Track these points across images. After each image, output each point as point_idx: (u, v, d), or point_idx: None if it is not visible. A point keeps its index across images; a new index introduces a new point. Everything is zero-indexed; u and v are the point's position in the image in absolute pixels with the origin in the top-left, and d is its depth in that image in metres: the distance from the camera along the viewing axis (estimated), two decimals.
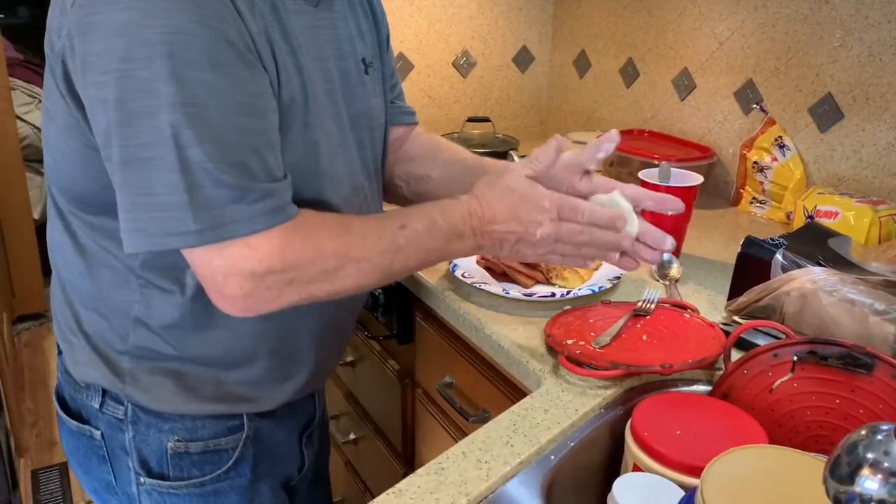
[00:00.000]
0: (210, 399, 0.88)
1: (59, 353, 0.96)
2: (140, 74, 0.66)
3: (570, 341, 0.94)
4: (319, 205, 0.82)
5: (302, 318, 0.88)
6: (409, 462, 1.45)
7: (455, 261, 1.18)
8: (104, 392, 0.89)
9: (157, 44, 0.65)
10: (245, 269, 0.71)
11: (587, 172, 0.90)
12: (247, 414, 0.92)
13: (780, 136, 1.50)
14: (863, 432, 0.45)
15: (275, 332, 0.87)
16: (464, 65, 2.06)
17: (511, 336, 1.00)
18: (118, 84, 0.66)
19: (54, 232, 0.88)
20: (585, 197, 0.86)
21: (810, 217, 1.33)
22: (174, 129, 0.67)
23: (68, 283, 0.88)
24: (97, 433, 0.91)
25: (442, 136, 1.79)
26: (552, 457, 0.76)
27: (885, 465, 0.43)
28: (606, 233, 0.83)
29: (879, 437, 0.44)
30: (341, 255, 0.76)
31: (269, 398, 0.93)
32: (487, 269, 1.17)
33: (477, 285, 1.12)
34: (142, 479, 0.90)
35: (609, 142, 0.88)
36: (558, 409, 0.83)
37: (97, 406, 0.89)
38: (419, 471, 0.72)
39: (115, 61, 0.66)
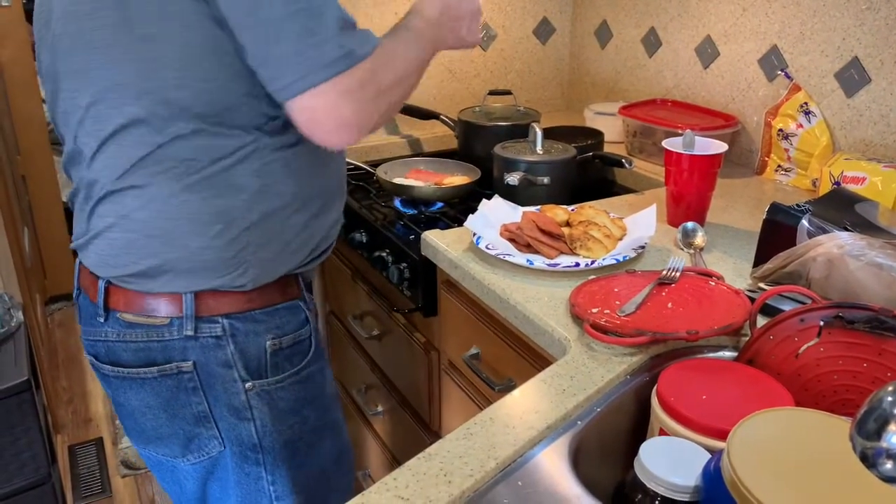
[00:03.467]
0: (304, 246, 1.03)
1: (106, 318, 0.99)
2: None
3: (595, 310, 0.95)
4: None
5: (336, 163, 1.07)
6: (436, 433, 1.47)
7: (479, 233, 1.18)
8: (197, 318, 0.96)
9: None
10: (347, 93, 0.86)
11: None
12: (304, 307, 1.06)
13: (806, 103, 1.48)
14: (889, 388, 0.45)
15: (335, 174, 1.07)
16: (484, 38, 2.04)
17: (536, 306, 1.01)
18: None
19: (152, 169, 0.91)
20: None
21: (836, 183, 1.32)
22: None
23: (174, 204, 0.92)
24: (186, 365, 0.98)
25: (463, 109, 1.81)
26: (579, 422, 0.77)
27: None
28: None
29: None
30: (400, 61, 0.96)
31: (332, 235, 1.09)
32: (511, 240, 1.18)
33: (501, 257, 1.12)
34: (248, 384, 1.00)
35: None
36: (584, 376, 0.84)
37: (191, 333, 0.96)
38: (448, 436, 0.73)
39: None
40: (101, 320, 1.00)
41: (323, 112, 0.86)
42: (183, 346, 0.97)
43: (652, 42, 1.88)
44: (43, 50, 0.98)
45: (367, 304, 1.66)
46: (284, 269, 1.02)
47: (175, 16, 0.85)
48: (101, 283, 0.99)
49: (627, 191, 1.62)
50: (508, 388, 1.12)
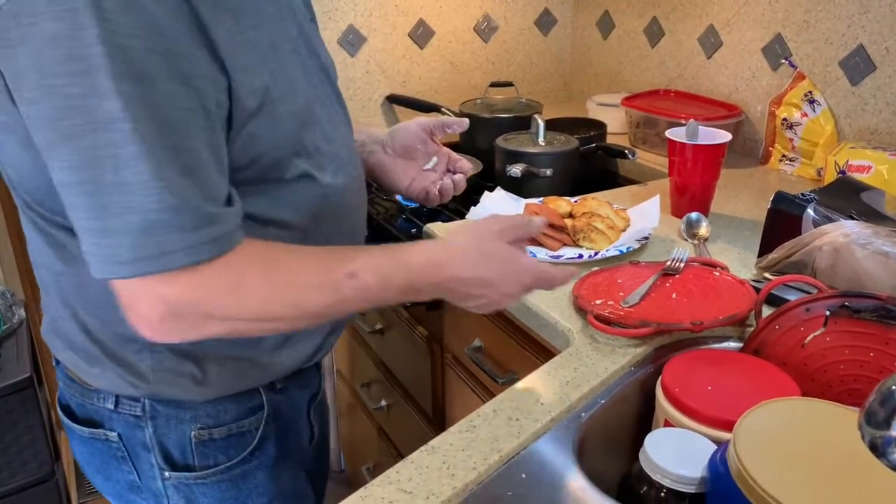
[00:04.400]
0: (232, 375, 0.86)
1: (57, 363, 0.92)
2: (69, 91, 0.62)
3: (598, 301, 0.94)
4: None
5: None
6: (440, 426, 1.46)
7: None
8: (117, 393, 0.86)
9: (87, 57, 0.61)
10: (161, 296, 0.66)
11: (431, 136, 1.05)
12: (264, 391, 0.90)
13: (810, 91, 1.47)
14: None
15: None
16: (485, 30, 2.03)
17: (539, 298, 1.00)
18: (48, 101, 0.62)
19: (39, 247, 0.82)
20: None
21: (842, 172, 1.31)
22: (108, 148, 0.62)
23: (69, 295, 0.83)
24: (113, 434, 0.88)
25: (465, 102, 1.80)
26: (583, 414, 0.76)
27: None
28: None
29: None
30: (270, 299, 0.70)
31: (288, 360, 0.90)
32: None
33: None
34: (167, 474, 0.88)
35: (459, 126, 1.06)
36: (588, 367, 0.84)
37: (111, 407, 0.86)
38: (451, 429, 0.73)
39: (44, 76, 0.62)
40: (55, 364, 0.93)
41: (124, 302, 0.68)
42: (109, 416, 0.87)
43: (654, 32, 1.87)
44: None
45: None
46: (228, 390, 0.87)
47: (9, 130, 0.71)
48: None
49: (631, 182, 1.61)
50: (512, 380, 1.12)
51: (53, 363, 0.93)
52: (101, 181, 0.63)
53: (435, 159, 1.05)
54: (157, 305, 0.67)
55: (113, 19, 0.61)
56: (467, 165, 1.07)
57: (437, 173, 1.05)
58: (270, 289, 0.70)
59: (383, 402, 1.70)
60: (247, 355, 0.86)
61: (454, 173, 1.06)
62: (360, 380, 1.82)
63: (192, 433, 0.87)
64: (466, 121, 1.07)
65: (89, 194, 0.64)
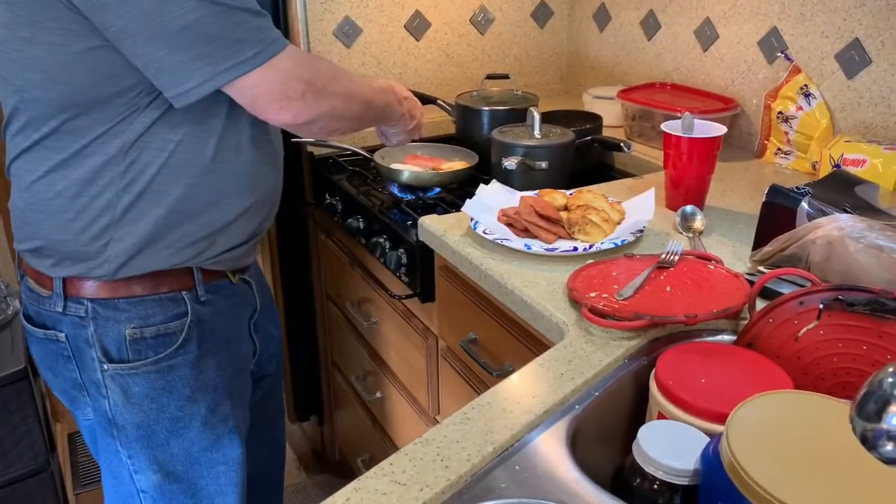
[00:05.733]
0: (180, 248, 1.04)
1: (22, 277, 1.11)
2: None
3: (593, 294, 0.94)
4: None
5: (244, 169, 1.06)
6: (435, 419, 1.47)
7: (476, 218, 1.18)
8: (66, 297, 1.03)
9: None
10: (296, 75, 0.96)
11: None
12: (189, 301, 1.07)
13: (806, 85, 1.47)
14: (889, 370, 0.44)
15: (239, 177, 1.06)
16: (481, 21, 2.03)
17: (534, 291, 1.00)
18: None
19: (26, 161, 0.99)
20: None
21: (837, 166, 1.31)
22: None
23: (40, 199, 0.99)
24: (62, 335, 1.06)
25: (461, 94, 1.79)
26: (577, 406, 0.77)
27: None
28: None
29: None
30: (336, 72, 1.05)
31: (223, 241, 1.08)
32: (509, 225, 1.17)
33: (499, 241, 1.12)
34: (105, 366, 1.05)
35: None
36: (582, 360, 0.84)
37: (60, 310, 1.04)
38: (445, 421, 0.73)
39: None
40: (19, 279, 1.12)
41: (269, 97, 0.96)
42: (59, 319, 1.06)
43: (651, 25, 1.87)
44: None
45: (364, 291, 1.66)
46: (160, 265, 1.03)
47: (46, 21, 0.89)
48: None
49: (626, 175, 1.61)
50: (506, 373, 1.12)
51: (18, 278, 1.13)
52: (217, 12, 0.88)
53: None
54: (295, 82, 0.96)
55: None
56: None
57: None
58: (339, 70, 1.06)
59: (378, 394, 1.71)
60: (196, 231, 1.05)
61: None
62: (356, 371, 1.83)
63: (127, 332, 1.05)
64: None
65: (211, 23, 0.88)
